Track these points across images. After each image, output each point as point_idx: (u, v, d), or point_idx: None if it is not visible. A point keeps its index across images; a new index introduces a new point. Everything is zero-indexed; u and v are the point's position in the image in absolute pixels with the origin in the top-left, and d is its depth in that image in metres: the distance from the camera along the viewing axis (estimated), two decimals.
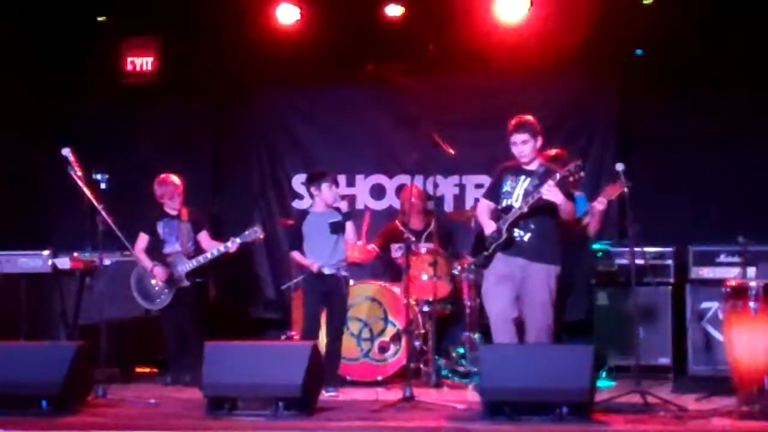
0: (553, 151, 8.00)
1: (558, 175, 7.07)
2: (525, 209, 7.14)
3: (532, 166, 7.34)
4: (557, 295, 7.31)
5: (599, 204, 7.86)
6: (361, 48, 9.52)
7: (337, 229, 8.08)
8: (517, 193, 7.28)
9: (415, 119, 9.50)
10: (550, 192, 7.05)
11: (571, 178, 7.14)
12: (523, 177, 7.31)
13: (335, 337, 7.98)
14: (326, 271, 8.03)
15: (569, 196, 7.26)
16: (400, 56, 9.59)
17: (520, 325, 7.25)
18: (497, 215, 7.36)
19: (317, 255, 8.08)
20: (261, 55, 9.53)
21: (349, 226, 8.12)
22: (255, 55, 9.55)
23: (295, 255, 8.22)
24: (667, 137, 9.26)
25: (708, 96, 9.15)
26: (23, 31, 9.34)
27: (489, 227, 7.36)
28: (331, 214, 8.10)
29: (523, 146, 7.29)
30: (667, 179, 9.19)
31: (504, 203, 7.33)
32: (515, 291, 7.22)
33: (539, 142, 7.35)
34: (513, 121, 7.33)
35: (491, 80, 9.40)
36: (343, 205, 8.21)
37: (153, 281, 8.44)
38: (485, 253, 7.34)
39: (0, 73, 9.20)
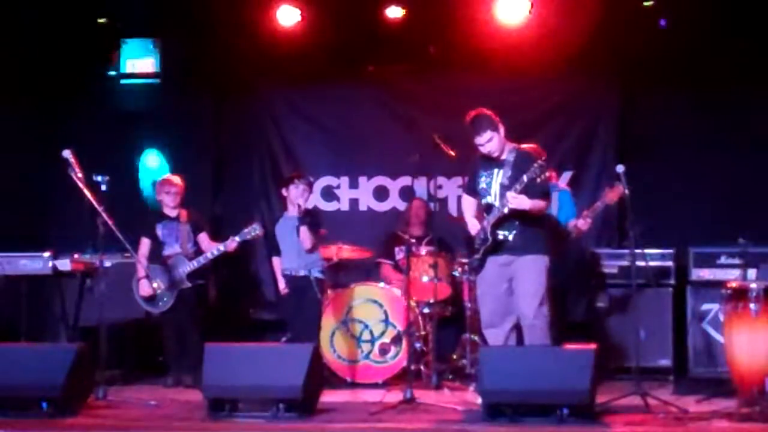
0: (524, 146, 7.96)
1: (525, 179, 6.82)
2: (505, 212, 6.95)
3: (504, 155, 7.08)
4: (556, 295, 7.26)
5: (583, 224, 7.88)
6: (361, 50, 9.51)
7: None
8: (494, 189, 7.07)
9: (416, 121, 9.50)
10: (515, 202, 6.86)
11: (537, 180, 6.83)
12: (496, 170, 7.07)
13: (311, 338, 7.99)
14: (299, 273, 8.26)
15: (543, 194, 7.00)
16: (400, 58, 9.59)
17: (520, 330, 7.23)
18: (481, 213, 7.19)
19: (288, 257, 8.37)
20: (262, 57, 9.53)
21: (303, 230, 8.24)
22: (256, 56, 9.55)
23: (274, 262, 8.57)
24: (667, 138, 9.27)
25: (709, 97, 9.15)
26: (24, 32, 9.34)
27: (474, 227, 7.16)
28: (297, 218, 8.24)
29: (490, 144, 7.03)
30: (668, 180, 9.19)
31: (485, 201, 7.14)
32: (508, 293, 7.10)
33: (502, 130, 7.05)
34: (468, 122, 7.04)
35: (492, 82, 9.38)
36: (299, 209, 8.26)
37: (155, 284, 8.44)
38: (476, 256, 7.16)
39: (0, 74, 9.20)
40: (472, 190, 7.29)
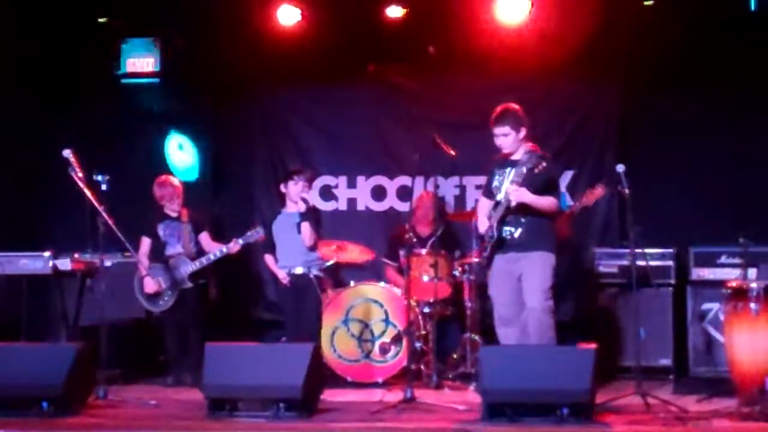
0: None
1: (524, 170, 6.97)
2: (509, 205, 7.06)
3: (517, 155, 7.24)
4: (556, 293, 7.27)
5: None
6: (361, 49, 9.50)
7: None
8: (504, 187, 7.20)
9: (416, 120, 9.49)
10: (517, 194, 7.00)
11: (535, 170, 6.99)
12: (509, 169, 7.22)
13: (311, 336, 8.01)
14: (297, 270, 8.17)
15: (548, 189, 7.12)
16: (400, 57, 9.58)
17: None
18: (490, 212, 7.30)
19: (286, 254, 8.33)
20: (262, 57, 9.52)
21: (305, 227, 8.19)
22: (256, 56, 9.54)
23: (267, 259, 8.52)
24: (667, 138, 9.26)
25: (709, 96, 9.14)
26: (24, 31, 9.34)
27: (483, 225, 7.31)
28: (299, 214, 8.21)
29: (504, 139, 7.25)
30: (668, 180, 9.19)
31: (495, 199, 7.27)
32: (516, 287, 7.15)
33: (522, 132, 7.26)
34: (494, 113, 7.27)
35: (492, 81, 9.37)
36: (301, 206, 8.23)
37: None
38: (484, 254, 7.31)
39: (0, 74, 9.20)
40: (488, 191, 7.44)
